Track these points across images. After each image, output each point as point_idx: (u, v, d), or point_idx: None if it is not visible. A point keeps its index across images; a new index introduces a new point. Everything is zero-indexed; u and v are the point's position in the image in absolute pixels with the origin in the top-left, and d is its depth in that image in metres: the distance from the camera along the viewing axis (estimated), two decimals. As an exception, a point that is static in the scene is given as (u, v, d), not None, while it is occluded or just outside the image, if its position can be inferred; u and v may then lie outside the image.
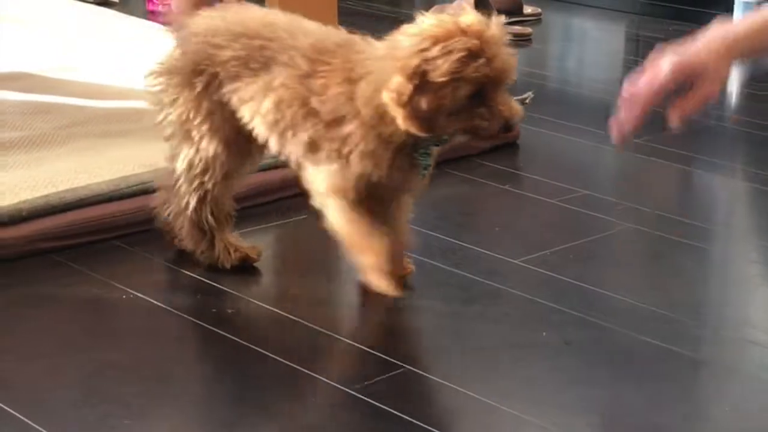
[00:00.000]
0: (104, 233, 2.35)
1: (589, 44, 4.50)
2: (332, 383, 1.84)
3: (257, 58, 2.06)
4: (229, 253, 2.21)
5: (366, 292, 2.10)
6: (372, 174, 1.99)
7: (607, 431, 1.77)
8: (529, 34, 4.16)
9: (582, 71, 4.10)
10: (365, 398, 1.78)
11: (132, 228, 2.38)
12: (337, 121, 1.99)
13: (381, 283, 2.04)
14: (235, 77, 2.08)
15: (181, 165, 2.19)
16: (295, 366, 1.88)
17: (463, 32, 1.87)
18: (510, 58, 1.92)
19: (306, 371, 1.86)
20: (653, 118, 1.81)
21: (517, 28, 4.16)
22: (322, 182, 2.04)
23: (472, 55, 1.86)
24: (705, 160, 2.97)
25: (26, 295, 2.13)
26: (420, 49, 1.88)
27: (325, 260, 2.34)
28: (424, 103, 1.88)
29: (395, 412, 1.75)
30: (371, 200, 2.04)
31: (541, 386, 1.87)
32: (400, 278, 2.08)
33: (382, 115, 1.94)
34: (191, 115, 2.14)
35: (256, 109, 2.07)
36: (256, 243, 2.33)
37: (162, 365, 1.89)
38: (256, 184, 2.52)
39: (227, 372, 1.88)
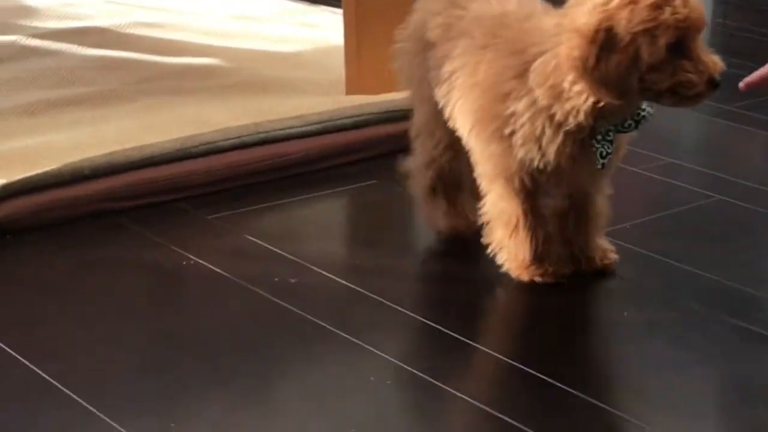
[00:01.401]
0: (170, 194, 2.28)
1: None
2: (394, 360, 1.75)
3: (455, 27, 1.96)
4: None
5: (431, 264, 2.01)
6: (537, 161, 1.83)
7: (691, 417, 1.66)
8: None
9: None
10: (427, 377, 1.69)
11: (198, 190, 2.32)
12: (501, 97, 1.85)
13: (522, 277, 1.95)
14: (437, 44, 1.99)
15: (413, 132, 2.15)
16: (356, 341, 1.80)
17: None
18: (701, 3, 1.74)
19: (368, 347, 1.78)
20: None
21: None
22: (484, 165, 1.91)
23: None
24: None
25: (87, 258, 2.07)
26: (598, 4, 1.71)
27: (395, 230, 2.25)
28: (614, 63, 1.68)
29: (457, 393, 1.66)
30: (541, 200, 1.92)
31: (619, 368, 1.77)
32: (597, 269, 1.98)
33: (558, 95, 1.78)
34: (412, 81, 2.10)
35: (437, 76, 1.98)
36: (323, 209, 2.25)
37: (220, 337, 1.82)
38: (319, 147, 2.45)
39: (286, 346, 1.80)
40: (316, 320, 1.86)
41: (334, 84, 2.81)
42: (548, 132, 1.80)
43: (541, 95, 1.79)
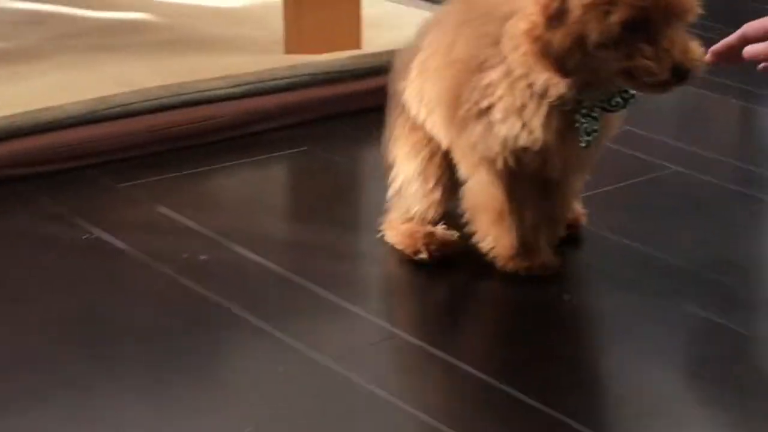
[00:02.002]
0: (78, 160, 2.09)
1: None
2: (307, 351, 1.57)
3: (426, 29, 1.82)
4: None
5: (362, 244, 1.83)
6: (521, 138, 1.65)
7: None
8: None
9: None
10: (344, 372, 1.52)
11: (111, 155, 2.12)
12: (476, 68, 1.66)
13: (509, 267, 1.76)
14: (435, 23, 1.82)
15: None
16: (267, 329, 1.62)
17: None
18: None
19: (281, 335, 1.60)
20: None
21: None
22: (464, 149, 1.72)
23: None
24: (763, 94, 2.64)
25: (-21, 229, 1.88)
26: None
27: (325, 203, 2.05)
28: (559, 36, 1.54)
29: (377, 389, 1.48)
30: (527, 183, 1.73)
31: (560, 364, 1.60)
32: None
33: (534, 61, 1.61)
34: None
35: (420, 60, 1.79)
36: (248, 178, 2.06)
37: (113, 321, 1.63)
38: (246, 110, 2.26)
39: (187, 333, 1.61)
40: (224, 303, 1.67)
41: (273, 43, 2.61)
42: (530, 104, 1.64)
43: (515, 62, 1.62)
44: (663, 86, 1.57)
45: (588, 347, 1.66)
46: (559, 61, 1.56)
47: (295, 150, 2.22)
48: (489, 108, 1.66)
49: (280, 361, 1.55)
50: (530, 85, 1.62)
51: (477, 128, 1.68)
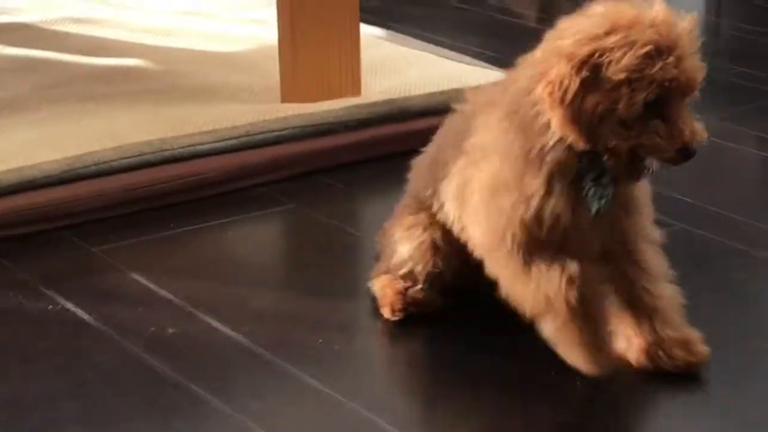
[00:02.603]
0: (53, 222, 2.01)
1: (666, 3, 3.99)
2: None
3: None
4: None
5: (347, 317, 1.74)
6: (532, 212, 1.55)
7: None
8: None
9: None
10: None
11: (87, 216, 2.04)
12: (483, 154, 1.61)
13: (574, 358, 1.57)
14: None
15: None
16: (232, 412, 1.52)
17: (651, 24, 1.49)
18: (700, 64, 1.51)
19: (246, 420, 1.50)
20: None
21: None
22: (475, 233, 1.63)
23: (659, 51, 1.47)
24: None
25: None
26: (594, 35, 1.48)
27: (310, 268, 1.95)
28: (590, 104, 1.47)
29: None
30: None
31: None
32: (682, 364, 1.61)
33: (530, 123, 1.53)
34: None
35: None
36: (229, 240, 1.97)
37: (66, 404, 1.53)
38: (233, 165, 2.18)
39: (147, 418, 1.52)
40: (187, 384, 1.58)
41: (268, 90, 2.52)
42: (530, 171, 1.55)
43: (514, 125, 1.56)
44: (670, 165, 1.53)
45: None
46: (587, 129, 1.48)
47: (281, 208, 2.12)
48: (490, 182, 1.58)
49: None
50: (528, 152, 1.54)
51: (486, 205, 1.60)
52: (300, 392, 1.58)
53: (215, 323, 1.73)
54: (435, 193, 1.72)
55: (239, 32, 3.00)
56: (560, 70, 1.48)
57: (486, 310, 1.70)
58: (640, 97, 1.47)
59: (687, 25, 1.51)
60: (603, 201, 1.55)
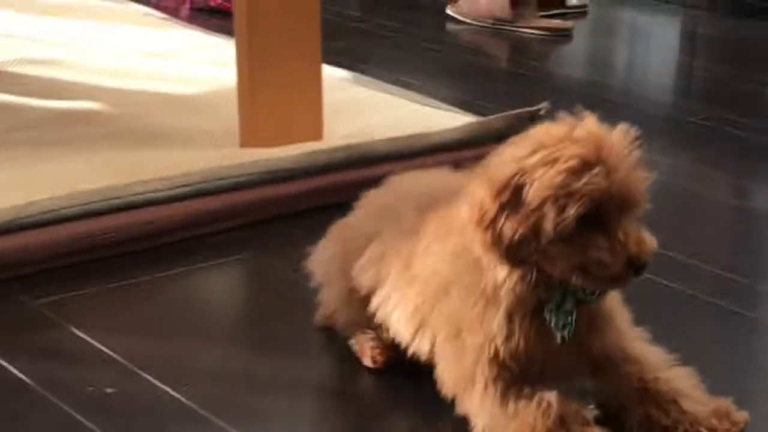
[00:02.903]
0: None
1: (640, 42, 3.95)
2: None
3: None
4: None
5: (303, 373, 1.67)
6: (498, 352, 1.50)
7: None
8: (569, 29, 3.67)
9: (629, 74, 3.58)
10: None
11: (32, 267, 1.96)
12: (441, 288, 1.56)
13: None
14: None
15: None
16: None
17: (576, 139, 1.45)
18: (637, 175, 1.45)
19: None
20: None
21: (556, 22, 3.67)
22: (443, 373, 1.57)
23: (585, 165, 1.43)
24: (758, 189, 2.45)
25: None
26: (518, 156, 1.45)
27: (261, 321, 1.88)
28: (509, 227, 1.43)
29: None
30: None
31: None
32: None
33: (479, 259, 1.50)
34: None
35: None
36: (177, 292, 1.90)
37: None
38: (185, 214, 2.11)
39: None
40: (126, 449, 1.51)
41: (229, 133, 2.46)
42: (489, 310, 1.51)
43: (466, 262, 1.52)
44: (616, 280, 1.46)
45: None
46: (513, 252, 1.44)
47: (237, 257, 2.05)
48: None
49: None
50: (483, 290, 1.50)
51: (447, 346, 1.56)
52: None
53: (156, 382, 1.64)
54: (375, 289, 1.66)
55: (200, 74, 2.95)
56: (481, 193, 1.45)
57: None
58: (570, 213, 1.41)
59: (619, 137, 1.46)
60: (567, 328, 1.49)
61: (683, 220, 2.32)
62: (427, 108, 2.68)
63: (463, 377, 1.53)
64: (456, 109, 2.71)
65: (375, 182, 2.33)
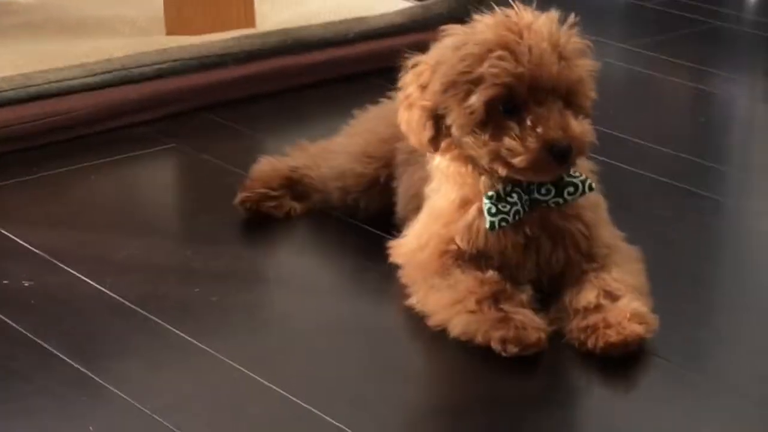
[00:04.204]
0: None
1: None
2: (135, 400, 1.29)
3: None
4: None
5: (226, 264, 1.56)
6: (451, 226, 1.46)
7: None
8: None
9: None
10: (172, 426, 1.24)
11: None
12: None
13: (493, 340, 1.38)
14: None
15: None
16: (88, 375, 1.33)
17: (488, 24, 1.42)
18: (553, 59, 1.38)
19: (108, 386, 1.31)
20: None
21: None
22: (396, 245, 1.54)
23: (490, 50, 1.39)
24: (716, 73, 2.36)
25: None
26: (443, 43, 1.44)
27: (188, 211, 1.78)
28: (414, 117, 1.44)
29: None
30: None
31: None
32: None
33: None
34: None
35: None
36: (101, 183, 1.78)
37: None
38: (106, 103, 1.98)
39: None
40: (40, 342, 1.38)
41: (154, 22, 2.31)
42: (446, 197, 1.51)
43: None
44: (537, 168, 1.39)
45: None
46: (423, 144, 1.44)
47: (160, 148, 1.92)
48: None
49: (98, 416, 1.26)
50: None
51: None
52: (171, 350, 1.39)
53: (78, 274, 1.53)
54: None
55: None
56: (408, 78, 1.45)
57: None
58: (475, 99, 1.37)
59: (543, 22, 1.40)
60: (499, 216, 1.42)
61: (642, 104, 2.24)
62: (365, -6, 2.55)
63: (418, 243, 1.48)
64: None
65: (309, 70, 2.24)
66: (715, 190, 1.84)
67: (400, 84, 1.46)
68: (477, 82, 1.38)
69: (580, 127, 1.39)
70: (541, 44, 1.38)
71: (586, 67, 1.42)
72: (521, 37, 1.38)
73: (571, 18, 1.43)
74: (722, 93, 2.29)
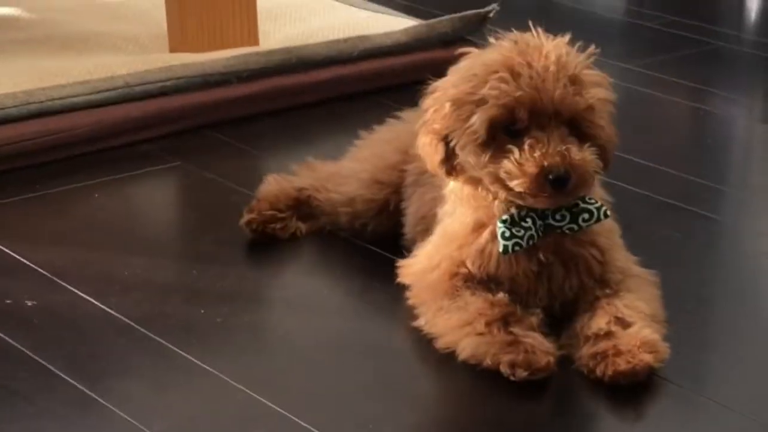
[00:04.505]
0: None
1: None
2: (140, 422, 1.27)
3: None
4: None
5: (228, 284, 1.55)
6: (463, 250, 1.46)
7: None
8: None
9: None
10: None
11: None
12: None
13: (501, 364, 1.36)
14: None
15: None
16: (93, 396, 1.31)
17: (492, 48, 1.43)
18: (558, 84, 1.36)
19: (113, 408, 1.30)
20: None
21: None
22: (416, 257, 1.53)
23: (493, 72, 1.39)
24: (716, 93, 2.35)
25: None
26: (451, 73, 1.45)
27: (193, 231, 1.76)
28: (425, 140, 1.45)
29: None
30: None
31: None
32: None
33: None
34: None
35: None
36: (104, 201, 1.77)
37: None
38: (110, 120, 1.96)
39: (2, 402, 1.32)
40: (44, 363, 1.37)
41: (158, 39, 2.31)
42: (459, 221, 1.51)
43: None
44: (536, 194, 1.37)
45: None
46: (439, 163, 1.43)
47: (164, 166, 1.91)
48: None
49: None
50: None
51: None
52: (175, 371, 1.38)
53: (81, 294, 1.52)
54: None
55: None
56: (426, 104, 1.45)
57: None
58: (477, 119, 1.37)
59: (552, 47, 1.39)
60: (512, 242, 1.40)
61: (642, 124, 2.22)
62: (371, 12, 2.54)
63: (429, 264, 1.48)
64: (401, 14, 2.57)
65: (313, 88, 2.23)
66: (715, 210, 1.83)
67: (421, 109, 1.45)
68: (480, 103, 1.37)
69: (582, 155, 1.37)
70: (548, 68, 1.37)
71: (598, 95, 1.40)
72: (529, 59, 1.37)
73: (591, 48, 1.42)
74: (722, 113, 2.28)
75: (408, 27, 2.36)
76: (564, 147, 1.36)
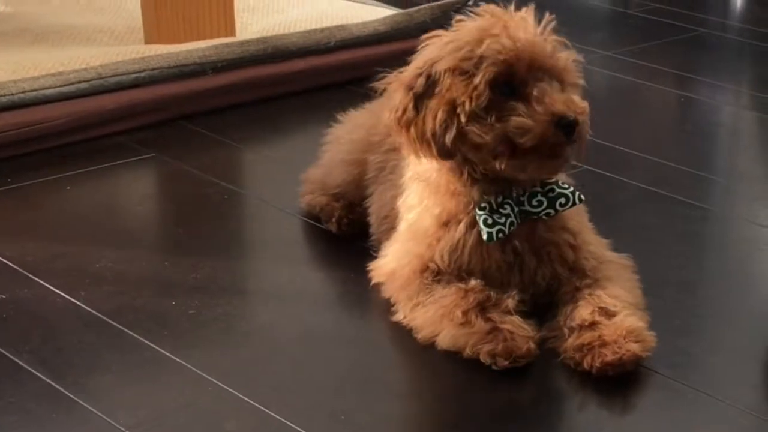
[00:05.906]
0: None
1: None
2: (109, 416, 1.25)
3: None
4: None
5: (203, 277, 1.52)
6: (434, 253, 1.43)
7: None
8: None
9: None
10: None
11: None
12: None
13: (482, 354, 1.35)
14: None
15: None
16: (61, 391, 1.29)
17: (474, 18, 1.42)
18: (543, 39, 1.38)
19: (81, 401, 1.27)
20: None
21: None
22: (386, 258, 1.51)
23: (485, 32, 1.39)
24: (700, 80, 2.33)
25: None
26: (426, 54, 1.42)
27: (165, 221, 1.74)
28: (430, 114, 1.37)
29: None
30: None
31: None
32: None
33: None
34: None
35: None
36: (78, 194, 1.73)
37: None
38: (82, 112, 1.93)
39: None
40: (12, 356, 1.34)
41: (132, 31, 2.28)
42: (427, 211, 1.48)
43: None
44: (549, 146, 1.36)
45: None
46: (438, 143, 1.37)
47: (138, 158, 1.88)
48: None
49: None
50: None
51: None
52: (145, 364, 1.35)
53: (52, 287, 1.49)
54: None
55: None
56: (396, 94, 1.41)
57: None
58: (479, 79, 1.35)
59: (518, 17, 1.40)
60: (495, 228, 1.39)
61: (626, 112, 2.20)
62: (350, 2, 2.51)
63: (401, 262, 1.45)
64: (380, 4, 2.55)
65: (290, 78, 2.21)
66: (700, 198, 1.81)
67: (389, 107, 1.42)
68: (478, 63, 1.36)
69: (580, 102, 1.37)
70: (529, 29, 1.39)
71: (568, 57, 1.41)
72: (510, 23, 1.39)
73: (546, 17, 1.42)
74: (707, 100, 2.26)
75: (386, 16, 2.34)
76: (566, 95, 1.36)
